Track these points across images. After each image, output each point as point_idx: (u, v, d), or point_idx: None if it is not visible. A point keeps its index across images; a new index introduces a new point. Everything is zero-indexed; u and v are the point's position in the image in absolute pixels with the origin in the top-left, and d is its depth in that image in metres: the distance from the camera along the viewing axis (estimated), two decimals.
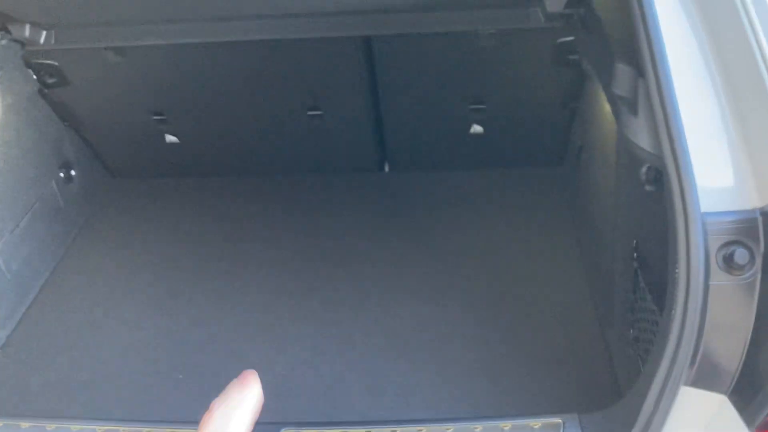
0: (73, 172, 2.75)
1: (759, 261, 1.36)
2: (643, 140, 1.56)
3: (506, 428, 1.70)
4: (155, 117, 2.65)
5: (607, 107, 2.09)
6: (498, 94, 2.57)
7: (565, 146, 2.79)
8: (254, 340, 2.26)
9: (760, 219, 1.36)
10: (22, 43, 2.39)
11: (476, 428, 1.70)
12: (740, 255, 1.34)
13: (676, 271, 1.39)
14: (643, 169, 1.62)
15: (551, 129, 2.72)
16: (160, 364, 2.19)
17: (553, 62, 2.38)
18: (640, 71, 1.52)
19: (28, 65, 2.47)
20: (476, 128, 2.72)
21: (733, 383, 1.43)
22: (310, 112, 2.61)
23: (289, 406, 2.03)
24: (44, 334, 2.31)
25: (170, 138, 2.78)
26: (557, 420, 1.72)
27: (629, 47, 1.54)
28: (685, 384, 1.46)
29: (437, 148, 2.86)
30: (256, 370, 1.00)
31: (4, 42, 2.34)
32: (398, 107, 2.66)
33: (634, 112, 1.59)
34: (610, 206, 2.09)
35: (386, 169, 3.00)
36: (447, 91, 2.57)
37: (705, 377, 1.44)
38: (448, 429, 1.71)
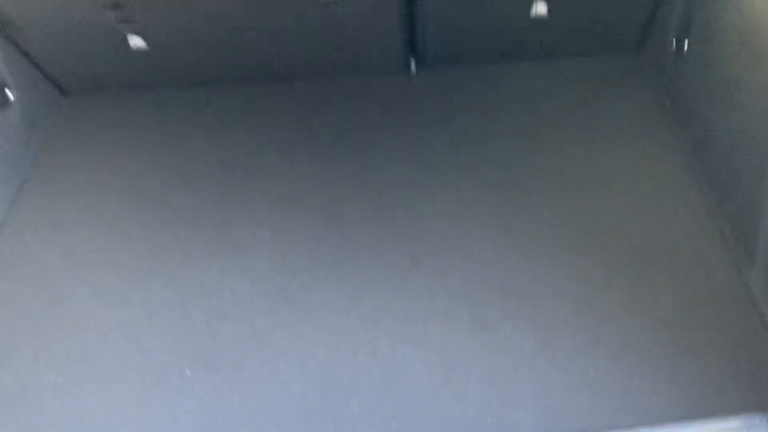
0: (8, 93, 2.20)
1: None
2: None
3: None
4: (109, 10, 2.10)
5: None
6: None
7: (647, 28, 2.31)
8: (281, 313, 1.75)
9: None
10: None
11: None
12: None
13: None
14: None
15: (635, 6, 2.24)
16: (157, 354, 1.69)
17: None
18: None
19: None
20: (539, 8, 2.22)
21: None
22: None
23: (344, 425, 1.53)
24: None
25: (135, 40, 2.24)
26: (737, 422, 1.37)
27: None
28: None
29: (483, 36, 2.35)
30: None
31: None
32: None
33: None
34: (754, 114, 1.67)
35: (413, 69, 2.48)
36: None
37: None
38: None
